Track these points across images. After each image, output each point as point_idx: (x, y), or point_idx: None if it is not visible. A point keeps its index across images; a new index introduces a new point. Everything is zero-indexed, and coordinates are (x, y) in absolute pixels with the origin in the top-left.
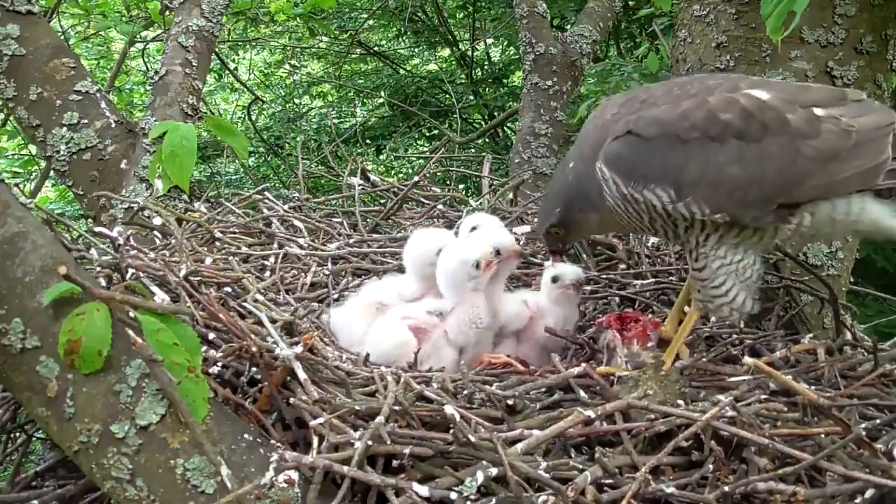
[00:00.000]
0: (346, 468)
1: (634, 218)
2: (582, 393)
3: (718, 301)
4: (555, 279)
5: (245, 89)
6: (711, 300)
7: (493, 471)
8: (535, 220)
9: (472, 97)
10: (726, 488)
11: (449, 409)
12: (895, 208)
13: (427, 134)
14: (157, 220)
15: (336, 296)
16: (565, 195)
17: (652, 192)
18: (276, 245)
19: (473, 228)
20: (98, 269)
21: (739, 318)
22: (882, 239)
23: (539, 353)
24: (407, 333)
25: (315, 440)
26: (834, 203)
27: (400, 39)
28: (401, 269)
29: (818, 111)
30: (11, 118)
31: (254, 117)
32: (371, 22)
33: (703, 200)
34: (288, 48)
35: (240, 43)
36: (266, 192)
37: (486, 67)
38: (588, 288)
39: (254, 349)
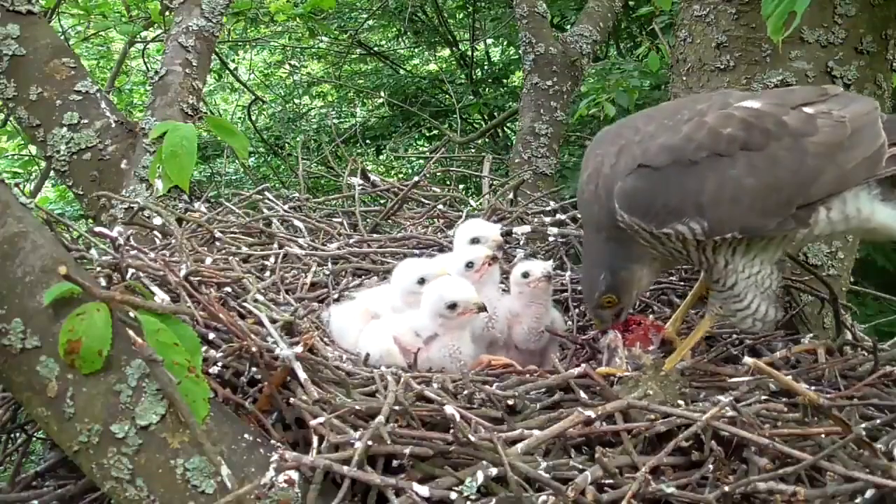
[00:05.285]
0: (346, 468)
1: (674, 251)
2: (582, 393)
3: (742, 314)
4: (525, 274)
5: (245, 89)
6: (734, 314)
7: (493, 471)
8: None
9: (472, 97)
10: (726, 488)
11: (449, 409)
12: None
13: (427, 134)
14: (157, 220)
15: (336, 296)
16: (605, 260)
17: (685, 226)
18: (276, 245)
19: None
20: (98, 269)
21: (763, 327)
22: (892, 240)
23: (517, 357)
24: (394, 344)
25: (315, 440)
26: (844, 199)
27: (400, 39)
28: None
29: (808, 109)
30: (11, 118)
31: (254, 117)
32: (371, 22)
33: (727, 218)
34: (288, 48)
35: (240, 43)
36: (266, 192)
37: (486, 67)
38: None
39: (254, 349)
